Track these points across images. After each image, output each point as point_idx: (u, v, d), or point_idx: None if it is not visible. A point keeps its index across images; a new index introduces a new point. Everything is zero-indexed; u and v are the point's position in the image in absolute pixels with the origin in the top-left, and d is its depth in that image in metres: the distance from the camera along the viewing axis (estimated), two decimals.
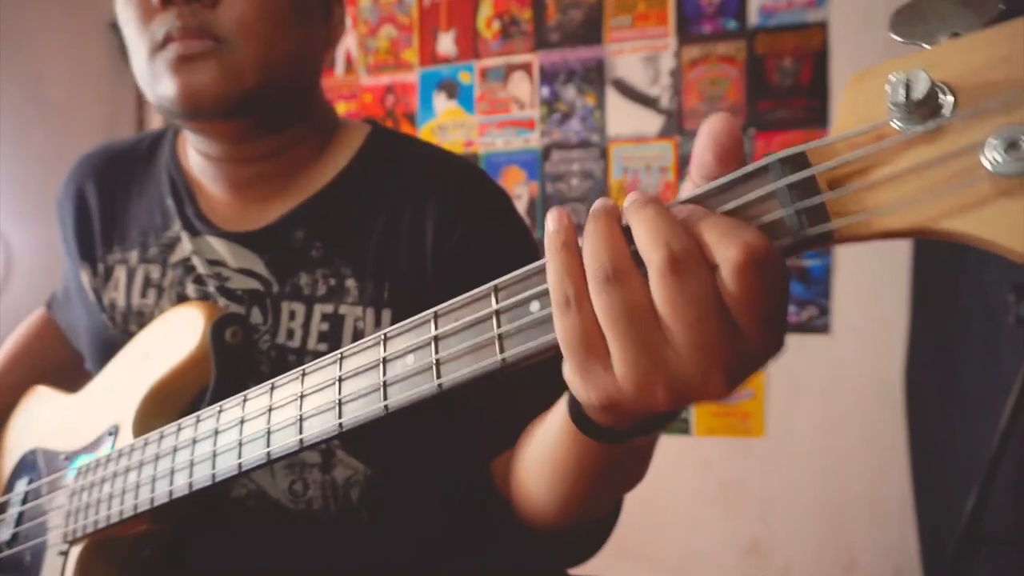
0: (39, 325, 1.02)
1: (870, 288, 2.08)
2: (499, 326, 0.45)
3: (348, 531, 0.76)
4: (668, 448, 1.38)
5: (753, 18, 2.17)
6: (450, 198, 0.77)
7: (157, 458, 0.66)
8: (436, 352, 0.47)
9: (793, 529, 2.13)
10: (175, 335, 0.74)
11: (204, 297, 0.80)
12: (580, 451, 0.55)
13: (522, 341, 0.44)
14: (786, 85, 2.14)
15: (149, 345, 0.77)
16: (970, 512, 1.59)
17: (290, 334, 0.76)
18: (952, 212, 0.35)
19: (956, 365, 1.90)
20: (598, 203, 0.42)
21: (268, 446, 0.57)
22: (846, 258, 2.11)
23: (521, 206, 2.38)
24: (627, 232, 0.40)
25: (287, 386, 0.58)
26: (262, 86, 0.73)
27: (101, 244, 0.88)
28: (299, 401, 0.56)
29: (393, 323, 0.73)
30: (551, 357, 0.44)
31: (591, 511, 0.69)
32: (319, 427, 0.54)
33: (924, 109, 0.35)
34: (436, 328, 0.48)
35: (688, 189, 0.41)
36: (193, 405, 0.74)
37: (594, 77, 2.32)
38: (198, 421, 0.64)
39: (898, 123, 0.36)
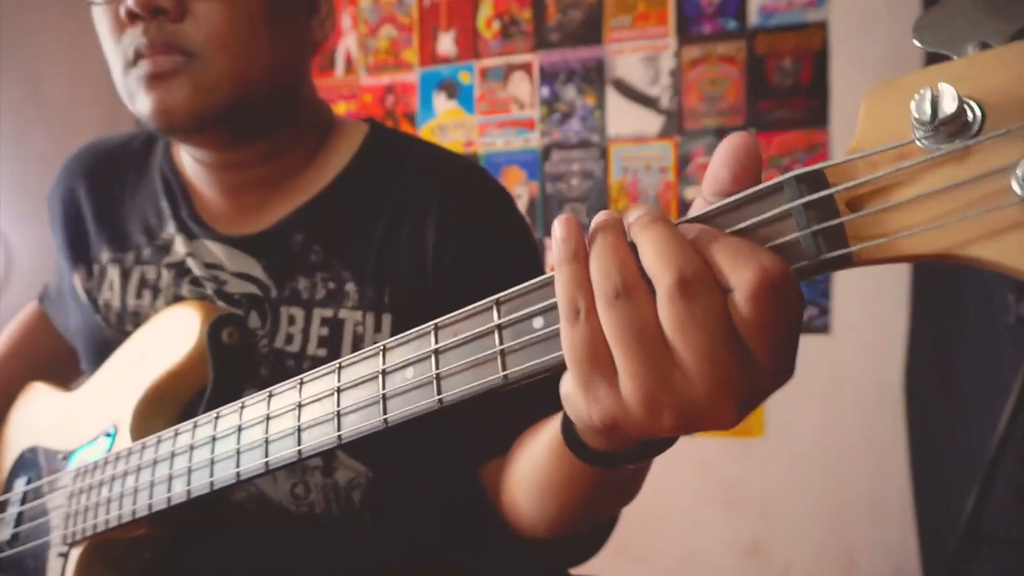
0: (32, 319, 1.01)
1: (870, 288, 2.08)
2: (501, 342, 0.43)
3: (350, 534, 0.75)
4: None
5: (753, 18, 2.17)
6: (451, 199, 0.76)
7: (155, 463, 0.66)
8: (437, 366, 0.46)
9: (793, 529, 2.13)
10: (172, 335, 0.73)
11: (200, 299, 0.79)
12: (571, 472, 0.54)
13: (525, 359, 0.43)
14: (786, 85, 2.14)
15: (146, 345, 0.77)
16: (970, 512, 1.59)
17: (289, 339, 0.75)
18: (979, 238, 0.32)
19: (956, 365, 1.90)
20: (603, 217, 0.40)
21: (266, 456, 0.57)
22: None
23: (521, 206, 2.38)
24: (633, 248, 0.39)
25: (284, 395, 0.57)
26: (237, 98, 0.71)
27: (94, 245, 0.87)
28: (297, 411, 0.55)
29: (394, 327, 0.73)
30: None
31: (580, 527, 0.68)
32: (317, 438, 0.53)
33: (951, 127, 0.33)
34: (437, 341, 0.46)
35: (699, 206, 0.40)
36: (191, 405, 0.73)
37: (594, 77, 2.32)
38: (195, 427, 0.64)
39: (923, 141, 0.34)
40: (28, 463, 0.84)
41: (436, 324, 0.47)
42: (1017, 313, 1.52)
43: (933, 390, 1.97)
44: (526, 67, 2.39)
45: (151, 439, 0.68)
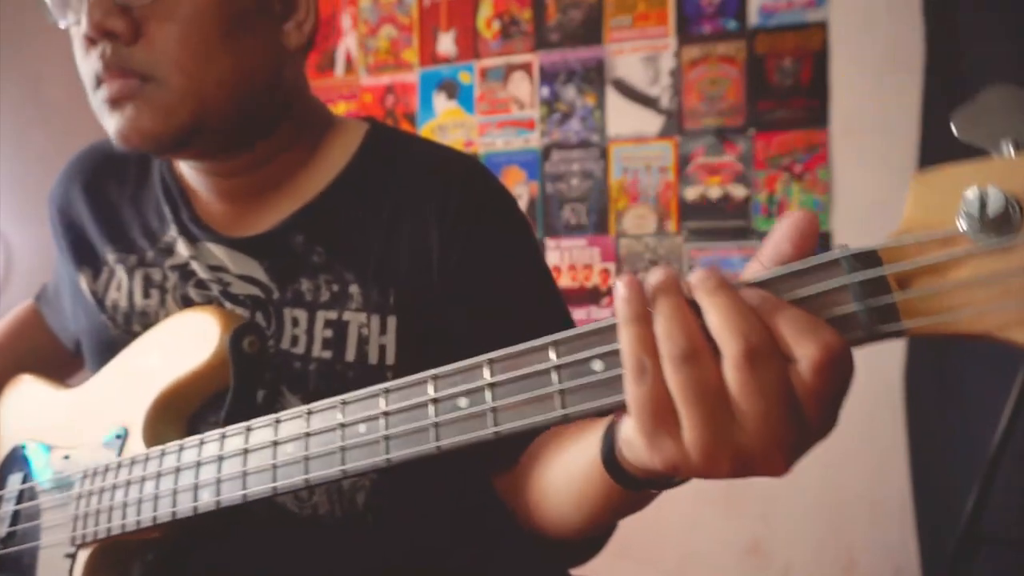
0: (25, 316, 1.01)
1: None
2: (560, 381, 0.46)
3: (354, 536, 0.75)
4: None
5: (753, 18, 2.17)
6: (453, 199, 0.76)
7: (178, 471, 0.66)
8: (493, 399, 0.49)
9: (793, 529, 2.13)
10: (188, 341, 0.73)
11: (207, 301, 0.79)
12: (607, 491, 0.56)
13: (585, 399, 0.46)
14: (786, 85, 2.14)
15: (159, 347, 0.77)
16: (970, 512, 1.59)
17: (294, 340, 0.75)
18: (1017, 324, 0.37)
19: (956, 365, 1.90)
20: (662, 277, 0.43)
21: (307, 472, 0.58)
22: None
23: (521, 206, 2.37)
24: (694, 306, 0.42)
25: (324, 413, 0.57)
26: (199, 118, 0.70)
27: (98, 247, 0.87)
28: (341, 431, 0.56)
29: (399, 329, 0.74)
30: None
31: (603, 529, 0.70)
32: (364, 460, 0.54)
33: (996, 223, 0.37)
34: (491, 375, 0.49)
35: (755, 269, 0.44)
36: (201, 411, 0.74)
37: (594, 77, 2.32)
38: (224, 437, 0.64)
39: (969, 232, 0.38)
40: (21, 459, 0.83)
41: (490, 359, 0.49)
42: None
43: (933, 390, 1.97)
44: (526, 67, 2.39)
45: (172, 446, 0.67)
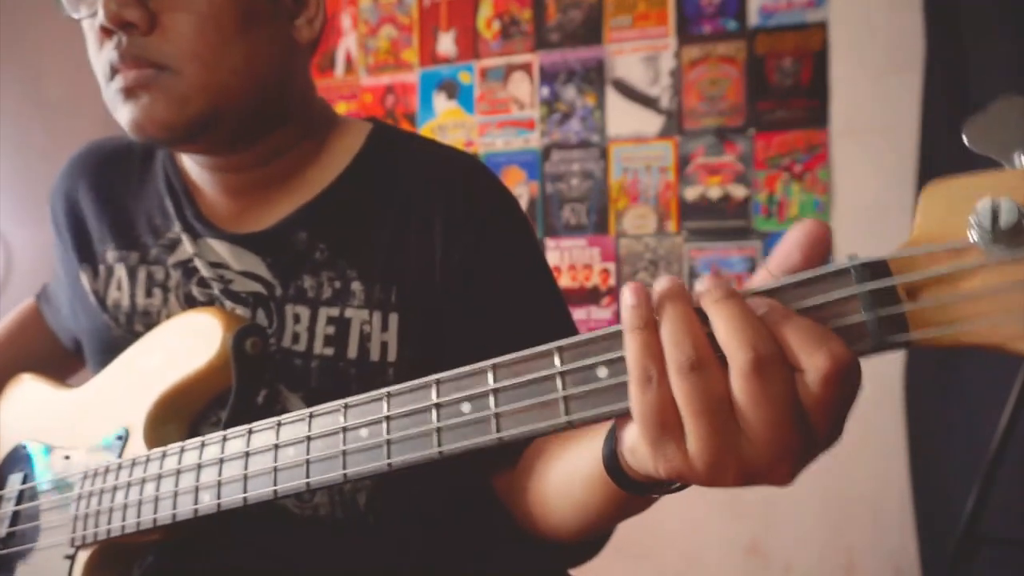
0: (25, 315, 1.01)
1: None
2: (564, 388, 0.46)
3: (354, 536, 0.75)
4: None
5: (753, 18, 2.17)
6: (456, 199, 0.76)
7: (179, 473, 0.66)
8: (496, 405, 0.49)
9: (793, 530, 2.13)
10: (191, 342, 0.73)
11: (210, 300, 0.79)
12: (609, 495, 0.56)
13: (590, 405, 0.46)
14: (786, 85, 2.14)
15: (162, 348, 0.77)
16: (970, 512, 1.59)
17: (295, 338, 0.75)
18: None
19: (956, 365, 1.90)
20: (668, 285, 0.43)
21: (307, 476, 0.57)
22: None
23: (521, 206, 2.38)
24: (701, 315, 0.42)
25: (326, 416, 0.57)
26: (213, 108, 0.71)
27: (98, 244, 0.86)
28: (342, 435, 0.56)
29: (400, 327, 0.74)
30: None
31: (603, 532, 0.71)
32: (365, 464, 0.54)
33: (1008, 234, 0.37)
34: (495, 380, 0.49)
35: (763, 277, 0.43)
36: (203, 413, 0.73)
37: (594, 77, 2.32)
38: (225, 440, 0.64)
39: (980, 243, 0.38)
40: (21, 458, 0.83)
41: (494, 364, 0.49)
42: None
43: (933, 390, 1.97)
44: (526, 67, 2.39)
45: (173, 448, 0.67)
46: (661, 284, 0.43)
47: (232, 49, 0.71)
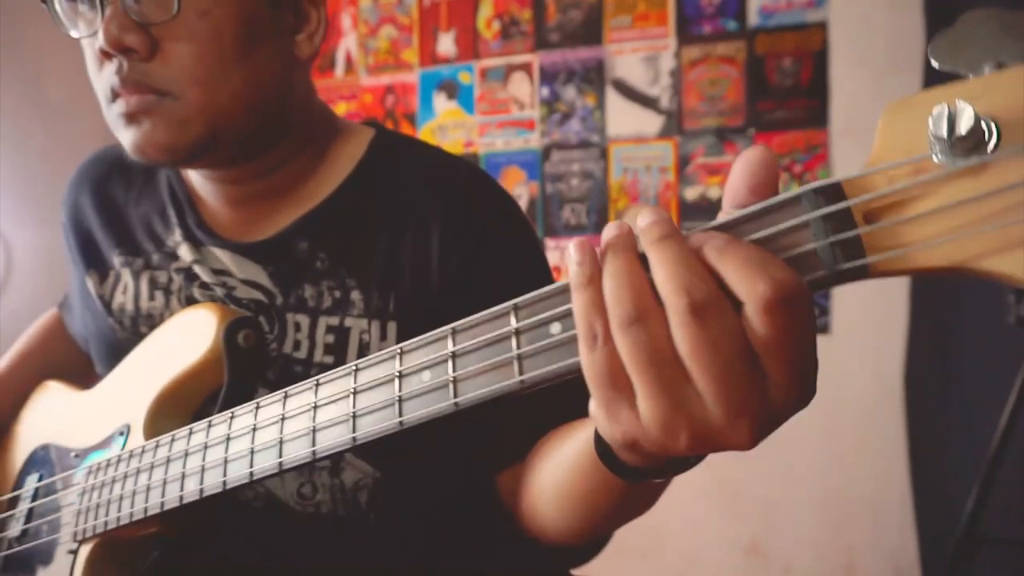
0: (49, 325, 1.03)
1: (870, 288, 2.08)
2: (519, 346, 0.44)
3: (356, 534, 0.76)
4: None
5: (753, 18, 2.17)
6: (454, 206, 0.76)
7: (168, 461, 0.66)
8: (454, 369, 0.47)
9: (793, 529, 2.13)
10: (188, 337, 0.74)
11: (212, 301, 0.79)
12: (601, 485, 0.55)
13: (542, 363, 0.43)
14: (786, 85, 2.14)
15: (161, 346, 0.77)
16: (970, 512, 1.59)
17: (296, 345, 0.76)
18: (994, 251, 0.33)
19: (956, 365, 1.90)
20: (613, 232, 0.40)
21: (280, 456, 0.57)
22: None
23: (521, 206, 2.38)
24: (645, 260, 0.39)
25: (300, 395, 0.57)
26: (213, 132, 0.71)
27: (105, 250, 0.88)
28: (312, 412, 0.56)
29: (399, 335, 0.74)
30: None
31: (601, 534, 0.70)
32: (332, 439, 0.54)
33: (967, 143, 0.34)
34: (454, 344, 0.47)
35: (721, 220, 0.40)
36: (205, 407, 0.74)
37: (594, 77, 2.32)
38: (210, 426, 0.64)
39: (939, 156, 0.35)
40: (40, 460, 0.85)
41: (453, 328, 0.48)
42: (1017, 313, 1.52)
43: (933, 390, 1.97)
44: (526, 67, 2.39)
45: (165, 438, 0.68)
46: (607, 233, 0.40)
47: (232, 73, 0.70)
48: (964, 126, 0.33)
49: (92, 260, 0.88)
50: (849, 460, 2.09)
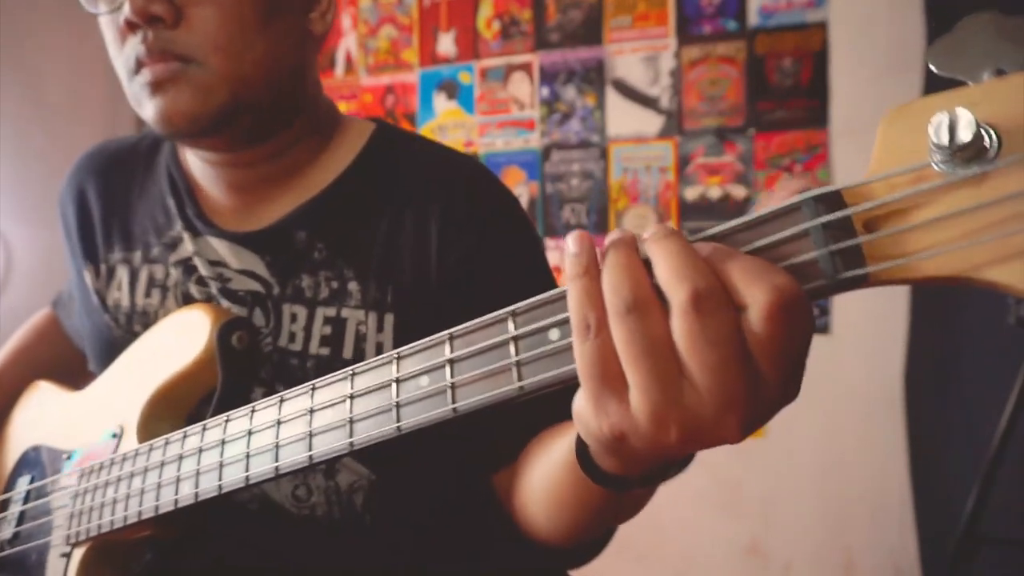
0: (43, 324, 1.02)
1: (870, 288, 2.08)
2: (517, 353, 0.44)
3: (351, 536, 0.76)
4: None
5: (753, 18, 2.17)
6: (455, 200, 0.76)
7: (162, 465, 0.66)
8: (452, 375, 0.47)
9: (793, 529, 2.13)
10: (181, 338, 0.74)
11: (207, 298, 0.79)
12: (583, 492, 0.54)
13: (541, 370, 0.43)
14: (786, 85, 2.14)
15: (155, 346, 0.77)
16: (970, 512, 1.59)
17: (292, 337, 0.75)
18: (995, 261, 0.33)
19: (956, 365, 1.90)
20: (616, 234, 0.41)
21: (276, 460, 0.57)
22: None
23: (523, 207, 2.38)
24: (647, 264, 0.39)
25: (296, 400, 0.57)
26: (237, 100, 0.72)
27: (103, 244, 0.87)
28: (309, 416, 0.56)
29: (396, 327, 0.74)
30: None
31: (592, 536, 0.69)
32: (329, 444, 0.54)
33: (968, 152, 0.33)
34: (452, 351, 0.47)
35: None
36: (198, 408, 0.74)
37: (594, 77, 2.32)
38: (204, 430, 0.64)
39: (939, 165, 0.34)
40: (31, 462, 0.84)
41: (451, 334, 0.48)
42: (1017, 314, 1.52)
43: (933, 390, 1.97)
44: (526, 67, 2.39)
45: (158, 441, 0.68)
46: (610, 235, 0.41)
47: (254, 41, 0.72)
48: (965, 135, 0.33)
49: (90, 253, 0.88)
50: (849, 460, 2.09)
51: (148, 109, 0.72)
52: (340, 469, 0.75)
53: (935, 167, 0.35)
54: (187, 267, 0.81)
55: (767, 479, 2.16)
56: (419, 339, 0.74)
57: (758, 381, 0.37)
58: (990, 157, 0.33)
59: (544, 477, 0.64)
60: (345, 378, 0.54)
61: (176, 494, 0.64)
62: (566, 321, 0.42)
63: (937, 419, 1.96)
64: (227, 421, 0.62)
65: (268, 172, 0.80)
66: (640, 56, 2.27)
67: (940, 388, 1.95)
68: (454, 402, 0.47)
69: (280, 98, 0.76)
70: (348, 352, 0.74)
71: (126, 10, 0.69)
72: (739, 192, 2.18)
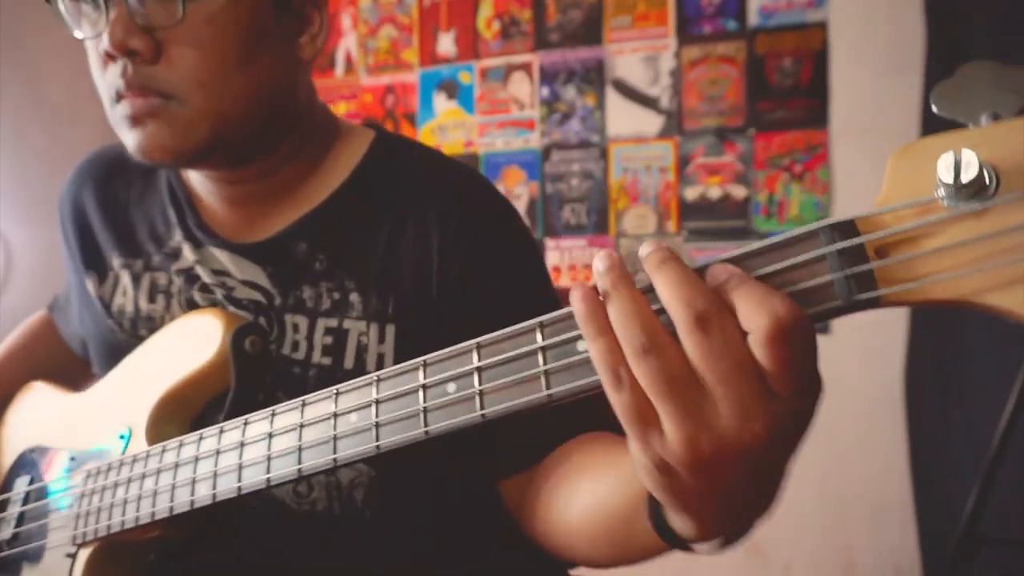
0: (38, 325, 1.02)
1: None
2: (545, 362, 0.46)
3: (352, 532, 0.76)
4: None
5: (753, 18, 2.17)
6: (453, 209, 0.76)
7: (176, 466, 0.66)
8: (480, 383, 0.49)
9: (793, 529, 2.13)
10: (192, 341, 0.74)
11: (212, 304, 0.79)
12: (647, 540, 0.55)
13: (569, 379, 0.46)
14: (786, 85, 2.14)
15: (164, 349, 0.77)
16: (970, 512, 1.59)
17: (295, 346, 0.76)
18: (995, 287, 0.37)
19: (956, 365, 1.90)
20: (604, 268, 0.43)
21: (299, 463, 0.58)
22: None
23: (521, 206, 2.38)
24: (648, 289, 0.42)
25: (319, 404, 0.58)
26: (217, 134, 0.71)
27: (105, 251, 0.87)
28: (333, 420, 0.57)
29: (397, 338, 0.74)
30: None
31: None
32: (355, 447, 0.55)
33: (971, 189, 0.37)
34: (479, 359, 0.49)
35: None
36: (205, 412, 0.74)
37: (594, 77, 2.32)
38: (222, 432, 0.64)
39: (945, 200, 0.38)
40: (29, 463, 0.84)
41: (478, 343, 0.50)
42: None
43: (933, 390, 1.97)
44: (526, 67, 2.39)
45: (172, 443, 0.68)
46: (597, 267, 0.43)
47: (237, 77, 0.71)
48: (969, 174, 0.37)
49: (92, 260, 0.88)
50: (849, 460, 2.09)
51: (127, 139, 0.72)
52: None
53: (941, 201, 0.38)
54: (189, 276, 0.81)
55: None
56: (420, 348, 0.75)
57: (774, 398, 0.40)
58: (989, 194, 0.37)
59: (599, 518, 0.63)
60: (370, 384, 0.55)
61: (192, 495, 0.65)
62: None
63: (937, 419, 1.96)
64: (246, 424, 0.63)
65: (265, 187, 0.80)
66: (640, 56, 2.27)
67: (940, 388, 1.95)
68: (482, 408, 0.49)
69: (268, 125, 0.75)
70: (349, 362, 0.74)
71: (104, 41, 0.68)
72: (739, 192, 2.18)
